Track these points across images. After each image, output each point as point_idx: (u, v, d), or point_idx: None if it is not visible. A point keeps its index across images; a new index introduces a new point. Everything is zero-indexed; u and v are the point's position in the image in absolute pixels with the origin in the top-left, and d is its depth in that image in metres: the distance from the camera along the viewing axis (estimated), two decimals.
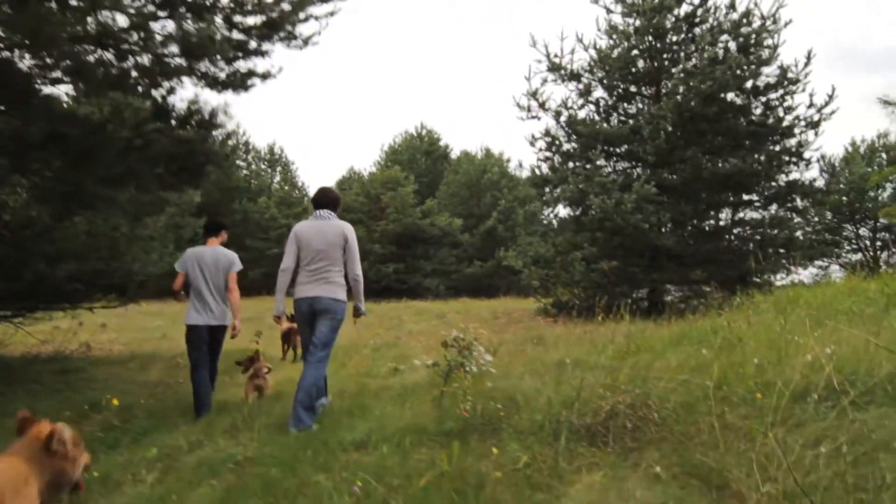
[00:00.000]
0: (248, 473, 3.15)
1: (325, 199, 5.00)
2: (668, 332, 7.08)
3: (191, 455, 3.84)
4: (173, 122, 7.27)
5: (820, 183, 16.59)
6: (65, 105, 7.23)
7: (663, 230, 14.81)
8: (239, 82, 8.18)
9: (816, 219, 30.14)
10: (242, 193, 37.37)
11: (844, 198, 32.67)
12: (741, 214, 16.44)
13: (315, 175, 68.51)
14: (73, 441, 2.42)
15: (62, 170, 7.26)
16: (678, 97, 13.78)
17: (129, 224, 9.52)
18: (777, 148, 14.86)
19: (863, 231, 34.40)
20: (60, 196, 7.91)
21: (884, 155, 34.80)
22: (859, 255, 34.00)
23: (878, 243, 33.58)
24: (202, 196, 33.94)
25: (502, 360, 6.71)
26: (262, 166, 42.44)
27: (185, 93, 7.56)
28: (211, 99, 8.29)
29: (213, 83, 7.96)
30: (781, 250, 15.40)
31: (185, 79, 7.63)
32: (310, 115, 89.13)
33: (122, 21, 6.36)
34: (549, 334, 10.94)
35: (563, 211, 18.07)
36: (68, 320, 12.10)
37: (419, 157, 41.73)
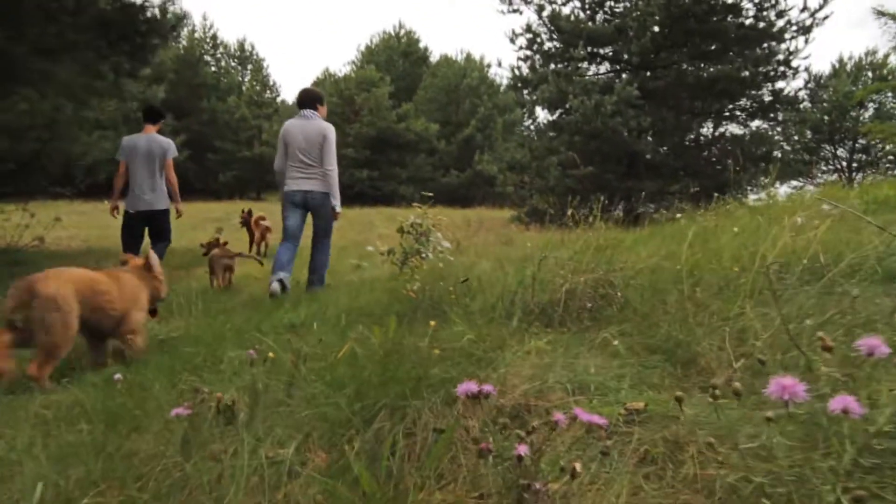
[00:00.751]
0: (161, 351, 2.85)
1: (306, 98, 5.40)
2: (640, 232, 6.82)
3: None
4: None
5: (803, 95, 16.12)
6: None
7: (642, 137, 14.35)
8: None
9: (796, 137, 29.91)
10: (211, 91, 35.61)
11: (826, 117, 32.33)
12: (722, 129, 16.02)
13: (289, 75, 65.53)
14: (158, 271, 3.47)
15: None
16: None
17: (73, 105, 8.79)
18: (766, 52, 14.26)
19: (841, 152, 34.35)
20: None
21: (869, 73, 34.22)
22: (835, 177, 34.05)
23: (855, 164, 33.62)
24: (167, 92, 32.33)
25: (468, 257, 6.44)
26: (232, 63, 40.30)
27: None
28: None
29: None
30: (761, 164, 15.12)
31: None
32: (284, 12, 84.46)
33: None
34: (520, 238, 10.68)
35: (542, 115, 17.47)
36: (20, 214, 11.50)
37: (396, 58, 39.89)
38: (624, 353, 2.03)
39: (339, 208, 5.36)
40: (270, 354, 2.03)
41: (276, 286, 4.99)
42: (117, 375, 2.21)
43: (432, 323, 2.31)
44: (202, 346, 2.77)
